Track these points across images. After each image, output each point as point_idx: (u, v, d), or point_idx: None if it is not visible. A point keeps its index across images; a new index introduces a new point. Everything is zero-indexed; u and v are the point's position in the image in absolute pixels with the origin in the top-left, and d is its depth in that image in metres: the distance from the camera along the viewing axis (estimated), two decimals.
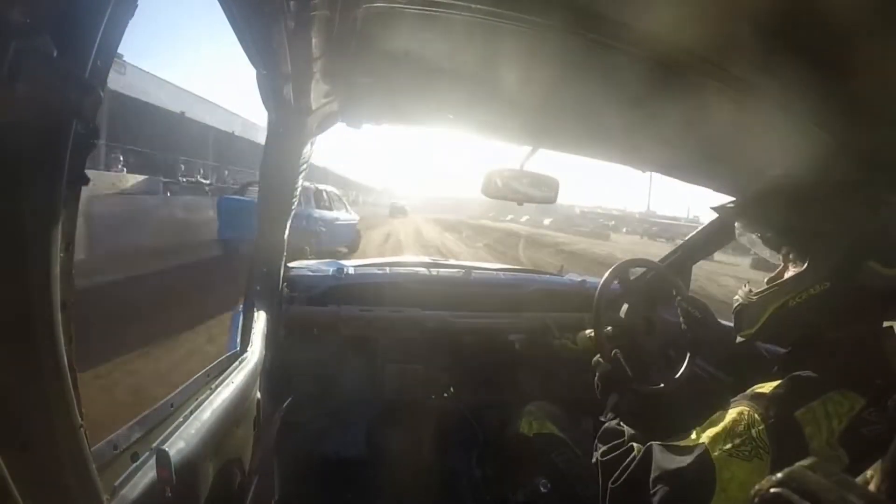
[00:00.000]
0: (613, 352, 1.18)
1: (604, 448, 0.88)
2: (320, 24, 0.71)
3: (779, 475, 0.31)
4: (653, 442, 0.79)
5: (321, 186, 9.66)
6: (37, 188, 0.32)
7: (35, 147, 0.31)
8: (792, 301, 0.77)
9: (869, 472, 0.34)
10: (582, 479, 1.17)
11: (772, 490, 0.30)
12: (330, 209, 9.40)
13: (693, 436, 0.74)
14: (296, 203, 1.33)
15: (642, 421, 0.96)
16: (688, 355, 1.21)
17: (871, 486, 0.33)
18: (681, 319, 1.17)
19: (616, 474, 0.79)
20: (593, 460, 0.92)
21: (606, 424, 0.98)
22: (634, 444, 0.82)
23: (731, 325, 0.90)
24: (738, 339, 0.86)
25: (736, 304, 0.86)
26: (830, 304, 0.74)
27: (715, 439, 0.69)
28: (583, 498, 1.15)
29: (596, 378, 1.15)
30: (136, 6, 0.38)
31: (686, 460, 0.70)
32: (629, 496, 0.76)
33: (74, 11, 0.33)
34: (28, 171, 0.31)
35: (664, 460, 0.73)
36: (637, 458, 0.78)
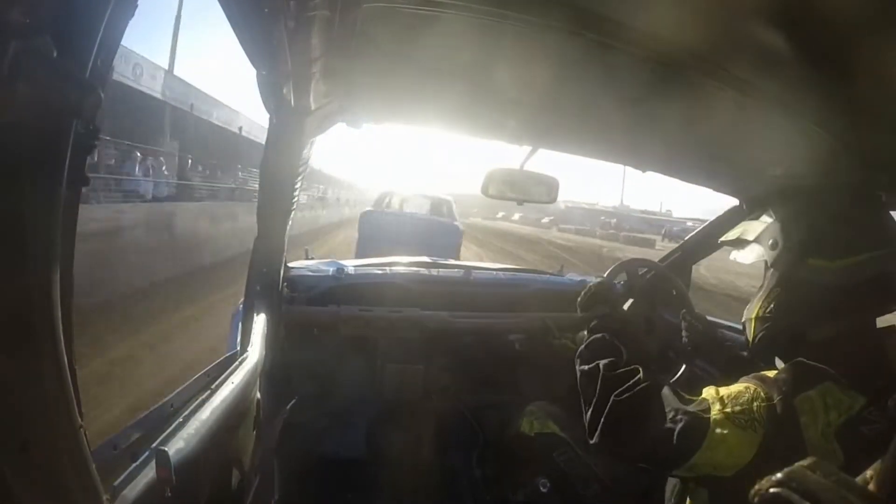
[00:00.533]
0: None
1: (606, 361, 0.87)
2: (320, 24, 0.71)
3: (779, 475, 0.31)
4: (661, 378, 0.80)
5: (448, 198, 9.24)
6: (37, 188, 0.32)
7: (35, 147, 0.31)
8: (761, 312, 0.81)
9: (868, 472, 0.34)
10: (583, 478, 1.17)
11: (771, 490, 0.30)
12: (456, 219, 9.15)
13: (700, 392, 0.75)
14: (296, 203, 1.33)
15: (626, 341, 0.96)
16: (687, 359, 1.21)
17: (871, 486, 0.33)
18: (684, 333, 1.17)
19: (621, 389, 0.79)
20: (581, 368, 0.90)
21: (596, 337, 0.96)
22: (639, 367, 0.83)
23: (732, 329, 0.90)
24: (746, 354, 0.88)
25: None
26: (791, 306, 0.77)
27: (719, 399, 0.71)
28: (584, 497, 1.16)
29: (589, 289, 1.12)
30: (136, 6, 0.38)
31: (686, 407, 0.72)
32: (630, 414, 0.77)
33: (74, 11, 0.33)
34: (28, 171, 0.31)
35: (669, 399, 0.75)
36: (643, 384, 0.79)
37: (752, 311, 0.83)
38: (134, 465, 0.57)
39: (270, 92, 0.91)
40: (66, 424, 0.37)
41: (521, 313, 1.76)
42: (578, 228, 38.52)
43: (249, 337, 1.12)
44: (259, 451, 1.11)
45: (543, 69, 0.88)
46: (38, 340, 0.34)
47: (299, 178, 1.26)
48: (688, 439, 0.69)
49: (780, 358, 0.81)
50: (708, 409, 0.70)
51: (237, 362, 0.98)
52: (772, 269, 0.80)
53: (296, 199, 1.32)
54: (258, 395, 1.08)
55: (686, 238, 1.75)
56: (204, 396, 0.79)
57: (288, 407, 1.41)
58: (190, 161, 11.72)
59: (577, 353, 0.94)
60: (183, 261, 6.79)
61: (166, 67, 11.65)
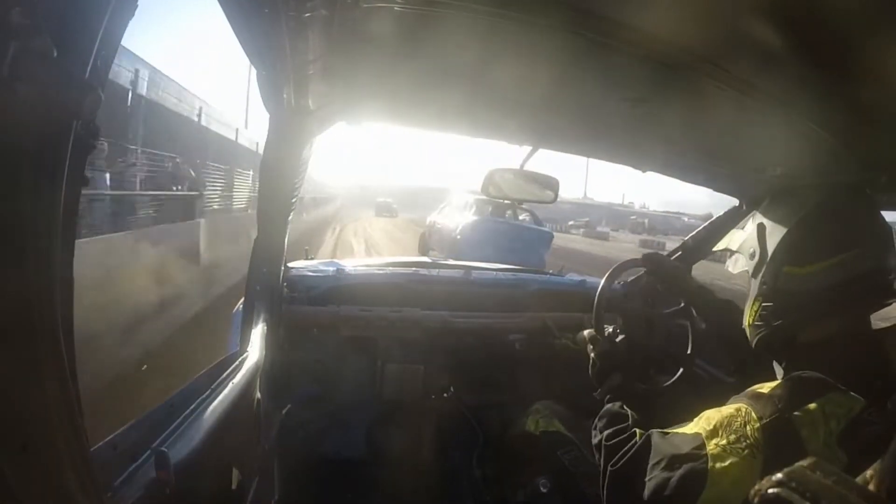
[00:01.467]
0: (611, 329, 1.17)
1: (608, 431, 0.87)
2: (320, 24, 0.71)
3: (779, 475, 0.31)
4: (653, 430, 0.79)
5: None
6: (37, 188, 0.32)
7: (35, 147, 0.31)
8: (751, 320, 0.82)
9: (869, 472, 0.34)
10: (588, 477, 1.17)
11: (770, 490, 0.30)
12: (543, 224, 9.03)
13: (691, 426, 0.74)
14: (296, 203, 1.33)
15: (642, 403, 0.95)
16: (688, 354, 1.21)
17: (871, 486, 0.33)
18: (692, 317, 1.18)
19: (616, 457, 0.79)
20: (594, 441, 0.91)
21: (608, 406, 0.96)
22: (637, 430, 0.83)
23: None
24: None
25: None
26: (775, 313, 0.78)
27: (712, 433, 0.70)
28: (588, 496, 1.16)
29: (592, 356, 1.11)
30: (137, 6, 0.38)
31: (682, 449, 0.71)
32: (627, 479, 0.77)
33: (74, 11, 0.33)
34: (28, 172, 0.31)
35: (662, 448, 0.74)
36: (637, 444, 0.78)
37: (745, 320, 0.84)
38: (134, 465, 0.57)
39: (270, 92, 0.91)
40: (66, 424, 0.37)
41: (521, 313, 1.76)
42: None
43: (249, 337, 1.12)
44: (259, 450, 1.11)
45: (543, 69, 0.88)
46: (38, 340, 0.34)
47: (299, 178, 1.27)
48: (690, 484, 0.67)
49: (778, 363, 0.81)
50: (703, 446, 0.69)
51: (237, 362, 0.98)
52: (752, 279, 0.82)
53: (296, 199, 1.32)
54: (258, 395, 1.08)
55: (686, 238, 1.75)
56: (204, 396, 0.79)
57: (284, 412, 1.41)
58: None
59: (593, 425, 0.93)
60: None
61: None
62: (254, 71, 0.86)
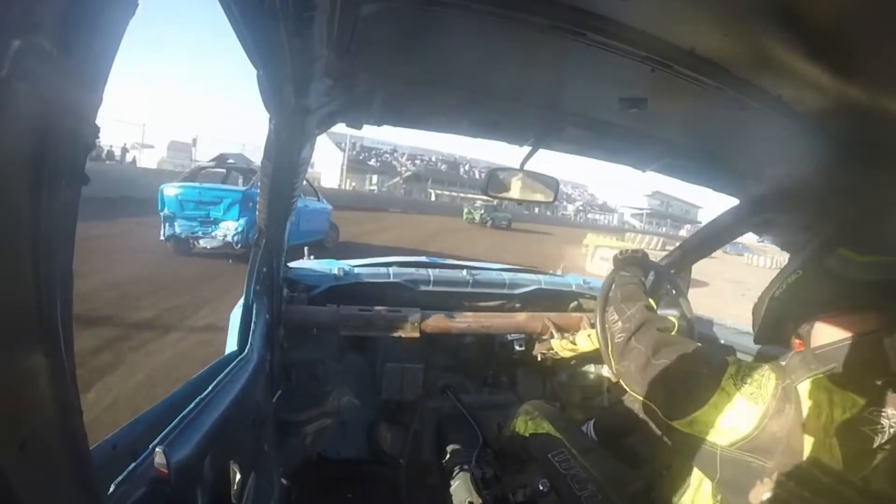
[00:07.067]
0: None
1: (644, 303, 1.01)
2: (320, 24, 0.71)
3: (780, 476, 0.31)
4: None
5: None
6: (37, 188, 0.32)
7: (35, 147, 0.31)
8: (777, 292, 0.81)
9: (868, 472, 0.35)
10: (579, 479, 1.17)
11: (766, 495, 0.30)
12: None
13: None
14: (296, 203, 1.33)
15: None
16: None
17: (871, 485, 0.33)
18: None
19: (662, 326, 0.93)
20: (624, 280, 1.12)
21: (630, 277, 1.16)
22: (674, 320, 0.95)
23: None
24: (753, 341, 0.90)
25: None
26: (807, 291, 0.78)
27: (735, 363, 0.77)
28: (580, 498, 1.16)
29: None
30: (137, 5, 0.38)
31: (702, 360, 0.81)
32: (663, 349, 0.87)
33: (75, 11, 0.33)
34: (28, 171, 0.31)
35: (698, 352, 0.84)
36: (680, 333, 0.90)
37: (767, 293, 0.83)
38: (134, 464, 0.57)
39: (270, 92, 0.91)
40: (66, 424, 0.37)
41: (521, 313, 1.77)
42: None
43: (249, 337, 1.12)
44: (259, 450, 1.11)
45: (543, 69, 0.88)
46: (38, 340, 0.34)
47: (299, 178, 1.27)
48: (699, 392, 0.74)
49: (781, 345, 0.82)
50: (723, 372, 0.75)
51: (237, 362, 0.99)
52: (791, 254, 0.83)
53: (295, 199, 1.32)
54: (258, 394, 1.09)
55: (686, 238, 1.75)
56: (204, 396, 0.79)
57: (281, 404, 1.41)
58: None
59: (608, 278, 1.12)
60: None
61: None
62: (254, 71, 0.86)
